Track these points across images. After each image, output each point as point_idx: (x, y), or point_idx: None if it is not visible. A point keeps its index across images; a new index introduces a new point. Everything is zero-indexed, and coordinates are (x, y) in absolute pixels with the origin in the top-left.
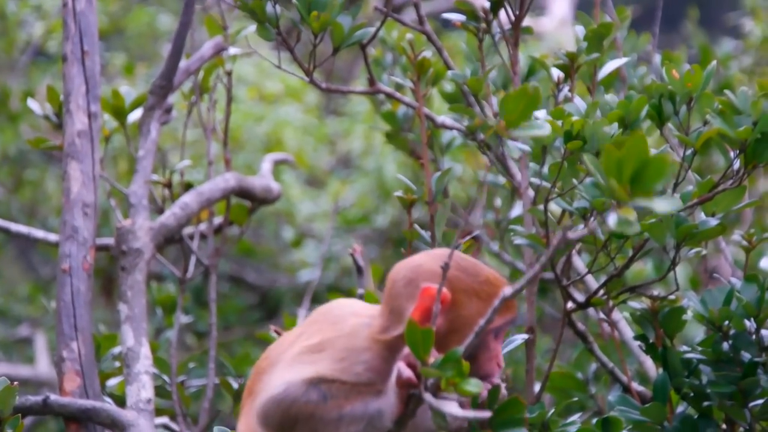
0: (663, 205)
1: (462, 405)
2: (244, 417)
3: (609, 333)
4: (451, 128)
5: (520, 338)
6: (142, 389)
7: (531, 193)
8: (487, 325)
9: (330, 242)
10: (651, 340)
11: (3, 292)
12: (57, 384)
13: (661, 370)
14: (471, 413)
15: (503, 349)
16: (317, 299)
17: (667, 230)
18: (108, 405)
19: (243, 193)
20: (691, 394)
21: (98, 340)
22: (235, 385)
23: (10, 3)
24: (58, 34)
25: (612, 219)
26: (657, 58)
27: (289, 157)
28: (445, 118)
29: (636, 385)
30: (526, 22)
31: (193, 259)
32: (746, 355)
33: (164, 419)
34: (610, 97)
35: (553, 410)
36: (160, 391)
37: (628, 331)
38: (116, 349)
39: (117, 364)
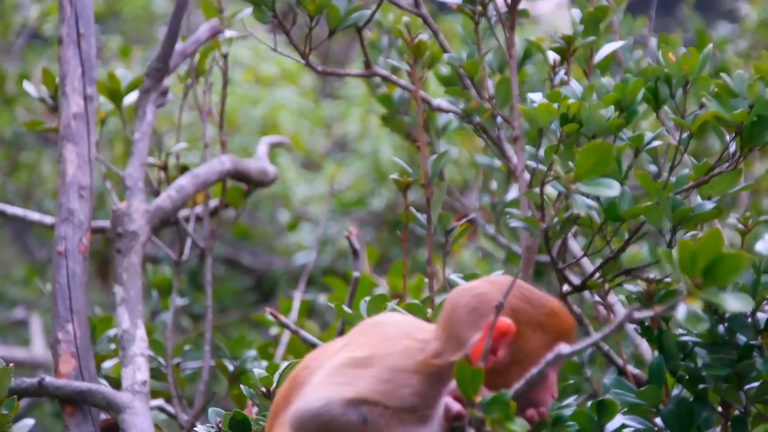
0: (735, 303)
1: None
2: (279, 429)
3: (605, 316)
4: (447, 111)
5: None
6: (138, 371)
7: (527, 176)
8: (549, 366)
9: (326, 225)
10: (646, 323)
11: None
12: (52, 366)
13: (656, 353)
14: None
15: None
16: (313, 282)
17: (664, 213)
18: (103, 387)
19: (239, 175)
20: (687, 377)
21: (94, 323)
22: (231, 368)
23: None
24: (53, 16)
25: (681, 311)
26: (653, 42)
27: (285, 140)
28: (441, 101)
29: (631, 368)
30: (522, 5)
31: (188, 242)
32: (742, 338)
33: (159, 401)
34: (607, 81)
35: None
36: (156, 373)
37: (623, 314)
38: (112, 332)
39: (112, 346)
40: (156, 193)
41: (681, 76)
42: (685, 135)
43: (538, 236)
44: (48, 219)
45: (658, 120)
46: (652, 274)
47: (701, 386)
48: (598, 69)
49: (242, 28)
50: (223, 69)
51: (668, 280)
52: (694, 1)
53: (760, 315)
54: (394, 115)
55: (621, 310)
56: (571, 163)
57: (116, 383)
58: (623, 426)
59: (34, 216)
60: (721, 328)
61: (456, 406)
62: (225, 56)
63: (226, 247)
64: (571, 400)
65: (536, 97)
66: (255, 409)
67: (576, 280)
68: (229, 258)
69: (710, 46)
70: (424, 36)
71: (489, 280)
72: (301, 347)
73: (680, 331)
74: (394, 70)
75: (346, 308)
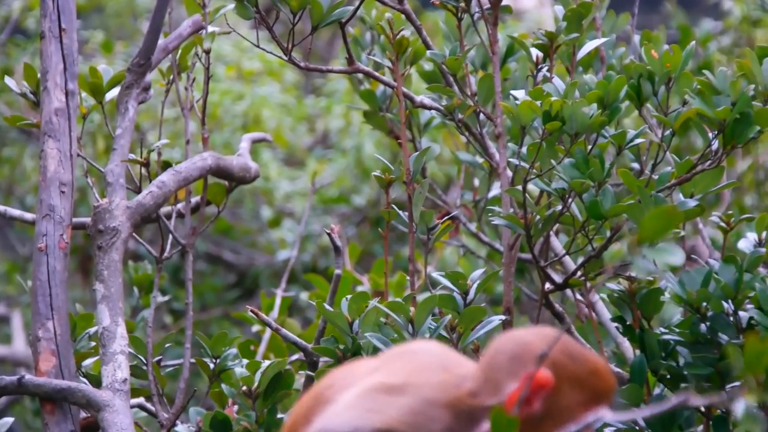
0: None
1: None
2: None
3: (586, 314)
4: (429, 108)
5: (497, 319)
6: (118, 369)
7: (509, 173)
8: (586, 428)
9: (308, 221)
10: (628, 322)
11: None
12: (33, 363)
13: (638, 352)
14: None
15: (480, 330)
16: (294, 279)
17: (646, 211)
18: (83, 385)
19: (221, 172)
20: (668, 376)
21: (74, 320)
22: (211, 366)
23: None
24: (36, 11)
25: (740, 407)
26: (636, 38)
27: (267, 136)
28: (423, 97)
29: (613, 367)
30: (505, 1)
31: (169, 239)
32: (724, 337)
33: (140, 399)
34: (589, 77)
35: None
36: (136, 371)
37: (605, 313)
38: (92, 329)
39: (93, 343)
40: (137, 190)
41: (664, 73)
42: (667, 132)
43: (520, 234)
44: (29, 215)
45: (640, 117)
46: (634, 273)
47: (683, 385)
48: (580, 66)
49: (225, 23)
50: (206, 65)
51: (650, 278)
52: None
53: (742, 314)
54: (376, 112)
55: (603, 309)
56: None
57: (96, 381)
58: (605, 425)
59: (15, 212)
60: (702, 327)
61: None
62: (207, 52)
63: (208, 243)
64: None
65: (519, 95)
66: (236, 408)
67: (558, 278)
68: (211, 255)
69: (693, 43)
70: (407, 32)
71: (535, 331)
72: (282, 345)
73: (662, 329)
74: (377, 66)
75: (327, 306)
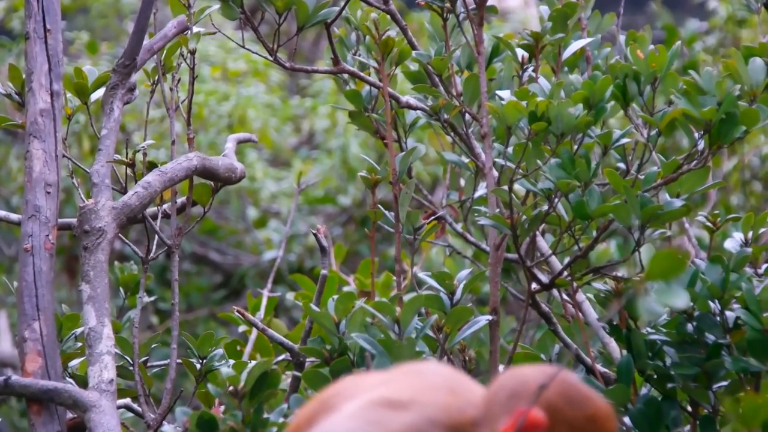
0: None
1: None
2: None
3: (573, 314)
4: (415, 108)
5: (483, 319)
6: (105, 370)
7: (495, 173)
8: None
9: (293, 222)
10: (615, 322)
11: None
12: (19, 364)
13: (624, 352)
14: None
15: (466, 330)
16: (281, 279)
17: (632, 211)
18: (70, 386)
19: (206, 173)
20: (655, 376)
21: (60, 320)
22: (198, 366)
23: None
24: (20, 12)
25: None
26: (622, 38)
27: (253, 136)
28: (409, 97)
29: (600, 367)
30: (491, 1)
31: (155, 239)
32: (710, 337)
33: (126, 400)
34: (575, 78)
35: None
36: (123, 371)
37: (592, 313)
38: (78, 330)
39: (79, 344)
40: (123, 190)
41: (649, 73)
42: (653, 132)
43: (506, 234)
44: (14, 216)
45: (626, 117)
46: (621, 273)
47: (670, 385)
48: (566, 66)
49: (210, 24)
50: (191, 65)
51: (636, 278)
52: None
53: (728, 314)
54: (362, 112)
55: (589, 309)
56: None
57: (83, 382)
58: None
59: (0, 213)
60: (689, 326)
61: None
62: (193, 52)
63: (194, 244)
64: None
65: (505, 95)
66: (222, 408)
67: (544, 278)
68: (197, 255)
69: (678, 43)
70: (393, 33)
71: (541, 370)
72: (268, 345)
73: (649, 329)
74: (363, 66)
75: (313, 306)
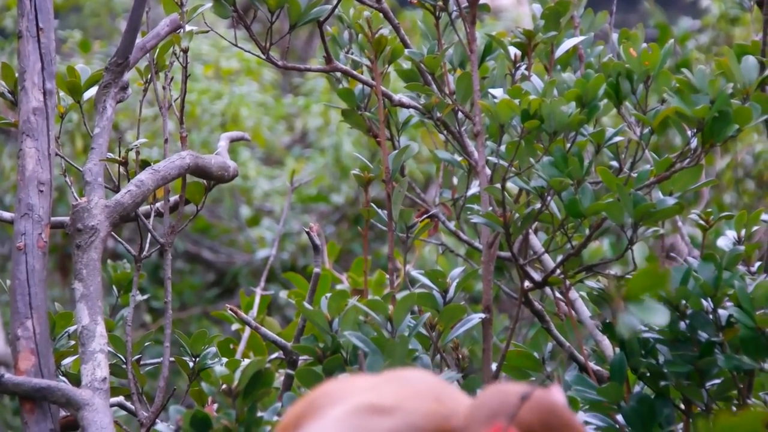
0: None
1: None
2: None
3: (566, 312)
4: (407, 106)
5: (476, 317)
6: (98, 368)
7: (488, 171)
8: None
9: (286, 220)
10: (608, 320)
11: None
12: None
13: (617, 350)
14: None
15: (459, 328)
16: (274, 277)
17: (625, 209)
18: (63, 384)
19: (199, 171)
20: (648, 374)
21: (53, 319)
22: (191, 364)
23: None
24: (13, 11)
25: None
26: (614, 37)
27: (246, 135)
28: (402, 96)
29: (593, 365)
30: None
31: (148, 238)
32: (703, 335)
33: (119, 398)
34: (568, 76)
35: None
36: (116, 369)
37: (585, 311)
38: (71, 328)
39: (72, 342)
40: (116, 189)
41: (642, 72)
42: (646, 130)
43: (499, 232)
44: (7, 214)
45: (619, 115)
46: (614, 270)
47: (663, 383)
48: (559, 64)
49: (203, 22)
50: (184, 64)
51: (630, 276)
52: None
53: (721, 312)
54: (354, 110)
55: (582, 307)
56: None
57: (76, 380)
58: (585, 423)
59: None
60: (682, 324)
61: None
62: (185, 51)
63: (187, 242)
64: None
65: (497, 93)
66: (215, 406)
67: (537, 276)
68: (190, 253)
69: (671, 41)
70: (385, 31)
71: (527, 390)
72: (261, 344)
73: (642, 327)
74: (355, 65)
75: (306, 304)
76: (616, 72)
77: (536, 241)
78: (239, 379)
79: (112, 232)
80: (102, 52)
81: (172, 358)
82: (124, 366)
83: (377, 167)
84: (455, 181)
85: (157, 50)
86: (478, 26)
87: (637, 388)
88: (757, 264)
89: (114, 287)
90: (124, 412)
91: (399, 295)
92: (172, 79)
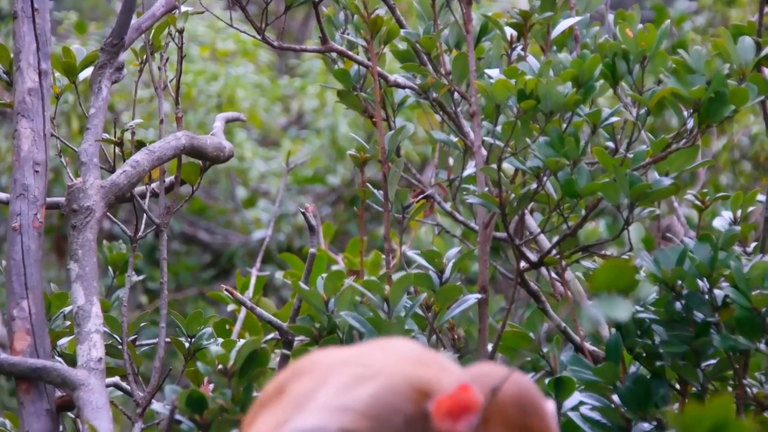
0: None
1: None
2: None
3: (562, 292)
4: (403, 87)
5: (472, 298)
6: (93, 348)
7: (484, 152)
8: None
9: (282, 201)
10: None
11: None
12: (8, 343)
13: (613, 330)
14: None
15: (455, 309)
16: (270, 258)
17: (621, 190)
18: (58, 364)
19: (195, 151)
20: (644, 354)
21: (49, 299)
22: (187, 345)
23: None
24: None
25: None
26: (610, 17)
27: (241, 115)
28: (397, 76)
29: (588, 345)
30: None
31: (144, 218)
32: (699, 315)
33: (115, 379)
34: (564, 56)
35: None
36: (111, 350)
37: (581, 291)
38: (67, 308)
39: (68, 323)
40: (111, 169)
41: (638, 52)
42: (642, 111)
43: (495, 213)
44: (2, 195)
45: (615, 96)
46: (610, 251)
47: (658, 363)
48: (555, 45)
49: (198, 3)
50: (179, 44)
51: (626, 256)
52: None
53: (717, 292)
54: (350, 91)
55: (578, 287)
56: (533, 149)
57: (71, 360)
58: (581, 403)
59: None
60: (678, 305)
61: None
62: (181, 32)
63: (183, 223)
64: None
65: (493, 73)
66: (211, 386)
67: (533, 256)
68: (186, 234)
69: (667, 22)
70: (381, 11)
71: (507, 372)
72: (257, 324)
73: (638, 308)
74: (351, 45)
75: (302, 285)
76: (612, 52)
77: (532, 222)
78: (235, 359)
79: (108, 213)
80: (98, 34)
81: (167, 339)
82: (119, 346)
83: (373, 148)
84: (451, 161)
85: (153, 31)
86: (474, 7)
87: (632, 369)
88: (753, 244)
89: (110, 268)
90: (119, 393)
91: (395, 276)
92: (167, 59)
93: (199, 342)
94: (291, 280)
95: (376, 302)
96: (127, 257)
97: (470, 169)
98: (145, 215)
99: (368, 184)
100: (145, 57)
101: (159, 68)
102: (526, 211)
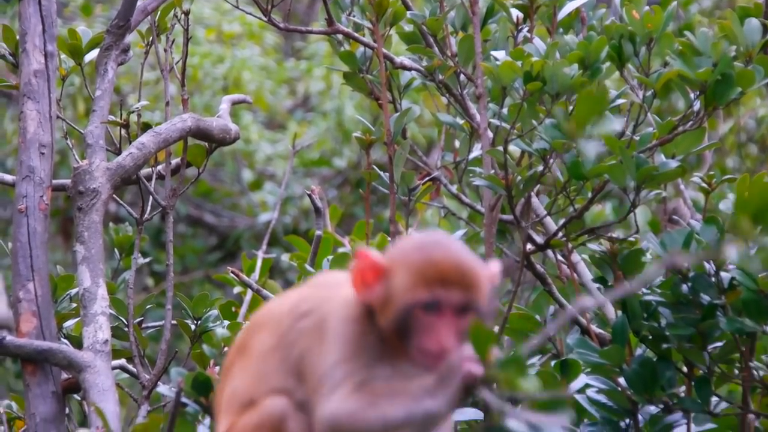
0: None
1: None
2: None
3: (568, 275)
4: (409, 69)
5: None
6: (99, 330)
7: (490, 134)
8: (406, 301)
9: (289, 184)
10: (610, 282)
11: None
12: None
13: (620, 313)
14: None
15: None
16: (276, 241)
17: (627, 172)
18: (64, 346)
19: (200, 133)
20: (650, 337)
21: (55, 281)
22: (193, 327)
23: None
24: None
25: (733, 252)
26: (617, 0)
27: (247, 98)
28: (403, 58)
29: (595, 328)
30: None
31: (150, 201)
32: (705, 298)
33: (121, 361)
34: (570, 38)
35: (512, 353)
36: (117, 332)
37: (587, 273)
38: (73, 290)
39: (74, 305)
40: (117, 151)
41: (645, 34)
42: (649, 93)
43: (501, 195)
44: (8, 177)
45: (622, 78)
46: (616, 233)
47: (665, 346)
48: (561, 27)
49: None
50: (185, 26)
51: (632, 239)
52: None
53: (723, 275)
54: (356, 73)
55: (584, 269)
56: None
57: (78, 342)
58: (587, 386)
59: None
60: (684, 287)
61: (477, 369)
62: (186, 14)
63: (189, 206)
64: (534, 360)
65: (499, 55)
66: (217, 369)
67: (539, 238)
68: (192, 217)
69: (674, 4)
70: None
71: (427, 231)
72: None
73: (644, 290)
74: (357, 27)
75: (308, 267)
76: (619, 34)
77: (538, 204)
78: None
79: (114, 195)
80: (104, 16)
81: (174, 321)
82: (125, 329)
83: (379, 130)
84: (457, 143)
85: (159, 13)
86: None
87: (639, 351)
88: (760, 227)
89: (116, 250)
90: (125, 375)
91: None
92: (173, 42)
93: (205, 324)
94: (297, 262)
95: None
96: (133, 239)
97: (476, 152)
98: (151, 197)
99: (374, 167)
100: (151, 39)
101: (165, 50)
102: (532, 194)
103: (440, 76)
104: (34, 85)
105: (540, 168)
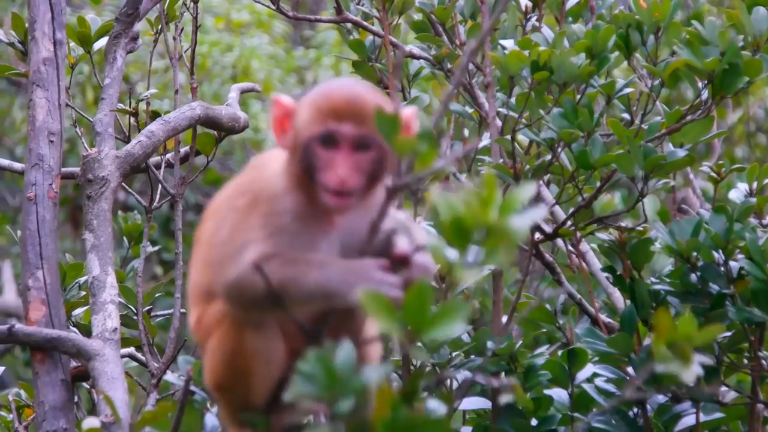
0: None
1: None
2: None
3: (577, 264)
4: (418, 58)
5: (486, 269)
6: (108, 319)
7: (498, 123)
8: (305, 136)
9: None
10: (619, 272)
11: None
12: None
13: (628, 302)
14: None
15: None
16: None
17: (635, 161)
18: (73, 334)
19: (209, 122)
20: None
21: (64, 269)
22: None
23: None
24: None
25: None
26: None
27: (256, 86)
28: (412, 47)
29: (603, 317)
30: None
31: (159, 189)
32: (714, 287)
33: (130, 349)
34: (578, 27)
35: (521, 342)
36: (126, 320)
37: (596, 263)
38: (82, 279)
39: (83, 293)
40: (126, 139)
41: (652, 23)
42: (657, 82)
43: (510, 184)
44: (18, 165)
45: (630, 67)
46: (625, 223)
47: None
48: (570, 16)
49: None
50: (194, 14)
51: (641, 228)
52: None
53: (732, 264)
54: (365, 62)
55: (593, 259)
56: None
57: (87, 330)
58: (594, 375)
59: (3, 162)
60: (693, 277)
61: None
62: (196, 2)
63: (198, 194)
64: (543, 349)
65: (508, 44)
66: None
67: (548, 228)
68: (201, 206)
69: None
70: None
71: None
72: None
73: (653, 279)
74: (366, 16)
75: None
76: (627, 24)
77: (547, 193)
78: None
79: (123, 183)
80: (113, 5)
81: (183, 310)
82: (134, 317)
83: None
84: (466, 133)
85: (168, 1)
86: None
87: (647, 341)
88: None
89: (125, 238)
90: (134, 363)
91: None
92: (182, 30)
93: None
94: None
95: None
96: (142, 228)
97: (485, 141)
98: (160, 186)
99: None
100: (160, 27)
101: (174, 38)
102: (540, 183)
103: (449, 65)
104: (43, 73)
105: (548, 157)
